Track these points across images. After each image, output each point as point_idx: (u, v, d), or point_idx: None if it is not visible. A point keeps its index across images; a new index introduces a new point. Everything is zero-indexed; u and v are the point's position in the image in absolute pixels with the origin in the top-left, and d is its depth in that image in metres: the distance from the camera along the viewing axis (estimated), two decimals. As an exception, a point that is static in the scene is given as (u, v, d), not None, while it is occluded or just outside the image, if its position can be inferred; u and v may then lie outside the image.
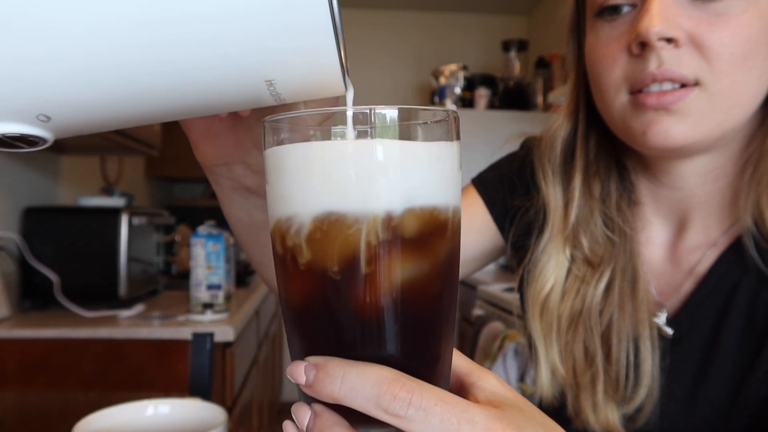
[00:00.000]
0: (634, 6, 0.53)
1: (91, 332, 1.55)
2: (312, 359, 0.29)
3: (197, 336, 1.54)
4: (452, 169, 0.30)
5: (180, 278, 2.38)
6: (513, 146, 0.76)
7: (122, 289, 1.78)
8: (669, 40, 0.50)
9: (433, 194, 0.29)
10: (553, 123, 0.65)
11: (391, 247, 0.28)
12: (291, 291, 0.30)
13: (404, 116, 0.28)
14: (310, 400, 0.30)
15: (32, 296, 1.77)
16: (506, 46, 3.28)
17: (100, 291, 1.77)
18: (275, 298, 3.09)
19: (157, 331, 1.59)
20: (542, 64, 3.10)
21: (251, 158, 0.47)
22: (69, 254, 1.77)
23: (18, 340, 1.53)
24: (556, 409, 0.64)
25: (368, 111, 0.28)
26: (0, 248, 1.71)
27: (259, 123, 0.45)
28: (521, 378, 2.00)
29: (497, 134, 3.06)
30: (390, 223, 0.28)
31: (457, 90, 3.24)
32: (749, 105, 0.52)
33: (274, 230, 0.30)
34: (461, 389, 0.32)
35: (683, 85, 0.51)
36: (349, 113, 0.28)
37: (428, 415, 0.27)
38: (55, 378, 1.54)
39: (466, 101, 3.24)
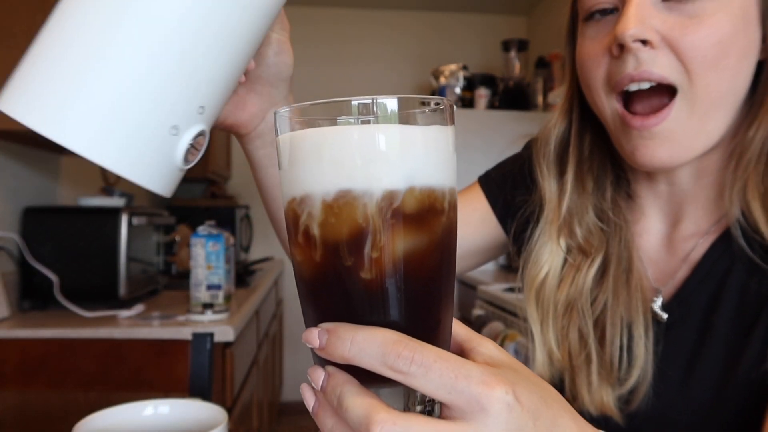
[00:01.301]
0: (618, 9, 0.56)
1: (91, 332, 1.55)
2: (324, 325, 0.32)
3: (197, 336, 1.54)
4: (448, 151, 0.33)
5: (180, 278, 2.38)
6: (518, 147, 0.79)
7: (122, 289, 1.78)
8: (644, 42, 0.52)
9: (431, 175, 0.32)
10: (548, 121, 0.69)
11: (394, 223, 0.31)
12: (304, 264, 0.33)
13: (403, 105, 0.31)
14: (323, 363, 0.33)
15: (32, 296, 1.77)
16: (506, 46, 3.28)
17: (99, 291, 1.77)
18: (275, 298, 3.09)
19: (156, 331, 1.59)
20: (542, 64, 3.10)
21: (277, 97, 0.59)
22: (69, 254, 1.77)
23: (18, 340, 1.52)
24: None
25: (371, 100, 0.31)
26: (0, 248, 1.71)
27: (263, 67, 0.57)
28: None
29: (497, 134, 3.06)
30: (393, 201, 0.31)
31: (457, 90, 3.24)
32: (723, 107, 0.54)
33: (287, 210, 0.34)
34: (461, 354, 0.34)
35: (662, 91, 0.54)
36: (354, 102, 0.31)
37: (429, 371, 0.30)
38: (55, 378, 1.54)
39: (466, 101, 3.24)
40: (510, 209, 0.72)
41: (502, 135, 2.86)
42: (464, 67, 3.30)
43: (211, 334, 1.52)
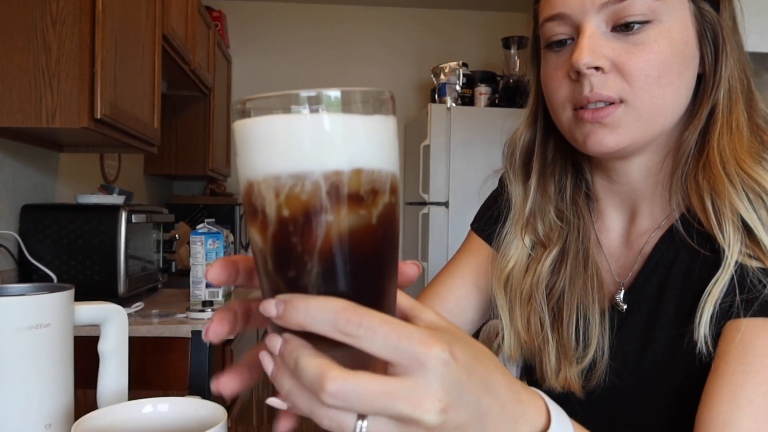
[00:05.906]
0: (573, 39, 0.65)
1: (90, 330, 1.55)
2: (280, 297, 0.35)
3: (196, 334, 1.54)
4: (389, 138, 0.36)
5: (179, 276, 2.38)
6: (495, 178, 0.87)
7: (121, 286, 1.78)
8: (597, 68, 0.62)
9: (373, 158, 0.35)
10: (515, 132, 0.79)
11: (339, 202, 0.34)
12: (262, 242, 0.35)
13: (346, 95, 0.34)
14: (280, 331, 0.36)
15: (31, 294, 1.76)
16: (507, 43, 3.27)
17: (99, 289, 1.76)
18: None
19: (156, 328, 1.58)
20: (542, 61, 3.09)
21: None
22: (68, 252, 1.76)
23: (17, 338, 1.52)
24: (525, 373, 0.75)
25: (317, 92, 0.34)
26: (-1, 246, 1.70)
27: None
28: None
29: (498, 132, 3.05)
30: (338, 182, 0.33)
31: (458, 87, 3.23)
32: (669, 114, 0.64)
33: (245, 192, 0.36)
34: (406, 321, 0.38)
35: (611, 103, 0.63)
36: (304, 94, 0.34)
37: (375, 333, 0.33)
38: (54, 376, 1.53)
39: (467, 99, 3.23)
40: (494, 233, 0.80)
41: (502, 133, 2.85)
42: (464, 65, 3.29)
43: (211, 332, 1.51)
